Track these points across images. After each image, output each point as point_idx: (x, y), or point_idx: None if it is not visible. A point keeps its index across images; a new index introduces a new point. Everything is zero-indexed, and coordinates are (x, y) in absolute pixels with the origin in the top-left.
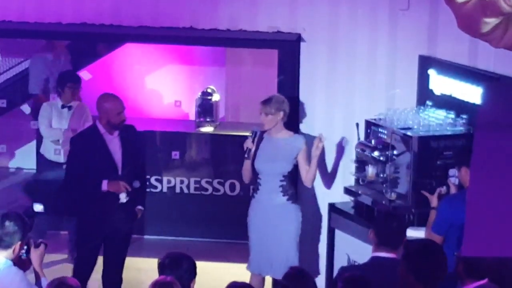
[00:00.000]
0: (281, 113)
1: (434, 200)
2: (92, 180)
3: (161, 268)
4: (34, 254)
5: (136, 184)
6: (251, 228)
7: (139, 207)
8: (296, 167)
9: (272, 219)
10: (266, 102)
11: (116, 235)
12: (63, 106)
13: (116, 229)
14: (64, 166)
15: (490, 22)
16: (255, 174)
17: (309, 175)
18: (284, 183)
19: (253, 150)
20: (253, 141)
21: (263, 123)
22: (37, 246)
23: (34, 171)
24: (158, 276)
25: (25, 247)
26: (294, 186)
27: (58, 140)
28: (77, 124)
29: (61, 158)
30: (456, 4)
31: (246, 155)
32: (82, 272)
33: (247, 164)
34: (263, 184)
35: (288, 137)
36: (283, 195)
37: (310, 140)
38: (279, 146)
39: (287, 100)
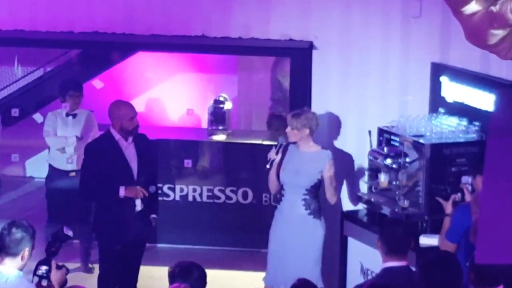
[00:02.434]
0: (307, 130)
1: (448, 207)
2: (108, 186)
3: (172, 277)
4: (55, 276)
5: (152, 189)
6: (271, 239)
7: (153, 215)
8: (320, 182)
9: (293, 232)
10: (295, 116)
11: (132, 244)
12: (67, 115)
13: (133, 238)
14: (71, 174)
15: (498, 33)
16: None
17: (327, 193)
18: (307, 197)
19: (276, 160)
20: (277, 152)
21: (288, 135)
22: (59, 268)
23: None
24: (169, 284)
25: (46, 269)
26: (318, 201)
27: (64, 148)
28: (85, 133)
29: (69, 166)
30: (464, 16)
31: (268, 165)
32: (108, 284)
33: (272, 174)
34: (286, 196)
35: (314, 151)
36: (305, 209)
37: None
38: (304, 159)
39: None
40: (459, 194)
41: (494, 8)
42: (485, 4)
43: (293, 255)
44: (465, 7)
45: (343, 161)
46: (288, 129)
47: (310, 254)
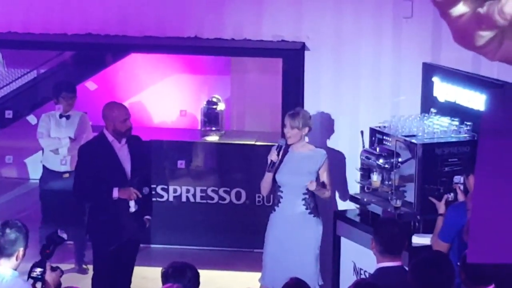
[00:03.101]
0: (307, 129)
1: (441, 207)
2: (102, 188)
3: (165, 278)
4: (50, 277)
5: (146, 190)
6: (269, 240)
7: (147, 216)
8: (317, 181)
9: (293, 231)
10: (294, 116)
11: (126, 245)
12: (61, 116)
13: (127, 239)
14: (65, 176)
15: (485, 35)
16: (275, 186)
17: (324, 192)
18: (307, 196)
19: (277, 163)
20: (278, 154)
21: (287, 136)
22: (53, 270)
23: None
24: (162, 285)
25: (41, 271)
26: (315, 199)
27: (57, 149)
28: (78, 134)
29: (63, 167)
30: (451, 18)
31: (269, 168)
32: (102, 284)
33: (268, 176)
34: (285, 197)
35: (309, 151)
36: (306, 208)
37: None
38: (301, 159)
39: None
40: (451, 194)
41: (481, 10)
42: (472, 5)
43: (293, 254)
44: (453, 9)
45: (335, 161)
46: (288, 130)
47: (311, 251)
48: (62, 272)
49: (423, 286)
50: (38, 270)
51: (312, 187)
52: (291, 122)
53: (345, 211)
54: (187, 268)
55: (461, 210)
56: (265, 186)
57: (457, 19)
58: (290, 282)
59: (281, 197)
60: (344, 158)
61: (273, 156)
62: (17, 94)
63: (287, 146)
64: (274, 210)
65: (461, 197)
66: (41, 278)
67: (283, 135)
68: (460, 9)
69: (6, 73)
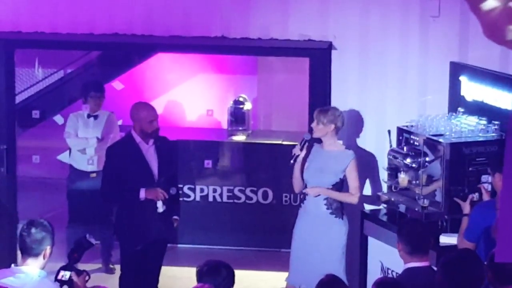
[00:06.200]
0: (332, 126)
1: (466, 207)
2: (129, 188)
3: (200, 276)
4: (76, 281)
5: (173, 190)
6: (295, 238)
7: (175, 217)
8: (343, 181)
9: (317, 231)
10: (322, 111)
11: (154, 245)
12: (88, 116)
13: (155, 239)
14: (92, 175)
15: None
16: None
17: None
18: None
19: (301, 156)
20: (301, 148)
21: (314, 130)
22: (79, 274)
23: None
24: (197, 283)
25: (68, 274)
26: (339, 201)
27: (84, 149)
28: (105, 134)
29: (90, 167)
30: (482, 12)
31: (292, 161)
32: (129, 284)
33: (296, 172)
34: (309, 195)
35: (337, 150)
36: (327, 208)
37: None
38: (328, 158)
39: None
40: (476, 194)
41: None
42: (503, 0)
43: (316, 254)
44: (483, 3)
45: (362, 160)
46: (314, 124)
47: (333, 252)
48: (89, 276)
49: (453, 284)
50: (66, 273)
51: (312, 192)
52: (317, 117)
53: (372, 210)
54: (222, 267)
55: (487, 209)
56: (295, 182)
57: (488, 13)
58: (325, 279)
59: (307, 194)
60: (371, 158)
61: (296, 150)
62: (44, 94)
63: (313, 140)
64: (301, 207)
65: (485, 197)
66: (68, 282)
67: (310, 130)
68: (491, 3)
69: (38, 76)
